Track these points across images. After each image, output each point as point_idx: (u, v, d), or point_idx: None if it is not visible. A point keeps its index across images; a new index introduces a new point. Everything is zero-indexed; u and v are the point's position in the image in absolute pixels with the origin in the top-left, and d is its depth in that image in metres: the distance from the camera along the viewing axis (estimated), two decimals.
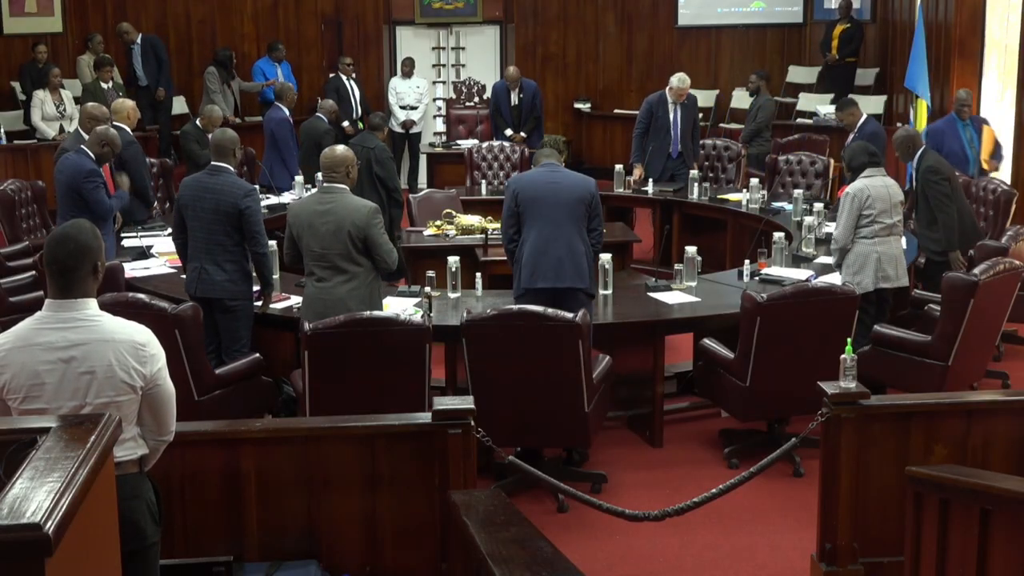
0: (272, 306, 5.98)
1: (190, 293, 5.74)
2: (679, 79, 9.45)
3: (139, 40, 11.91)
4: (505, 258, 6.02)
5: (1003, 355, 7.11)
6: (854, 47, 12.33)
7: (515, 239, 5.69)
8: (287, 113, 9.73)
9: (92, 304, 3.15)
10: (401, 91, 12.39)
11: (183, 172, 9.15)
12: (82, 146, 6.89)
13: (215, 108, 9.39)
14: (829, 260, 6.65)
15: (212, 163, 5.81)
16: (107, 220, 6.86)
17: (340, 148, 5.53)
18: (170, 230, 7.79)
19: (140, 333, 3.19)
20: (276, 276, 6.47)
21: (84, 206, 6.65)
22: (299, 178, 9.14)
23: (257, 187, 6.99)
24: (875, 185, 6.10)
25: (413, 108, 12.32)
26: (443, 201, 8.78)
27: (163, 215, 8.89)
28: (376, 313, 5.21)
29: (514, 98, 11.38)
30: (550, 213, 5.58)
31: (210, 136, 8.73)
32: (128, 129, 8.04)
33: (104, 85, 10.93)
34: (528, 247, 5.60)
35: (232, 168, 5.81)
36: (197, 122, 9.26)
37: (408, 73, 12.43)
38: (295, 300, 5.93)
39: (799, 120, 12.42)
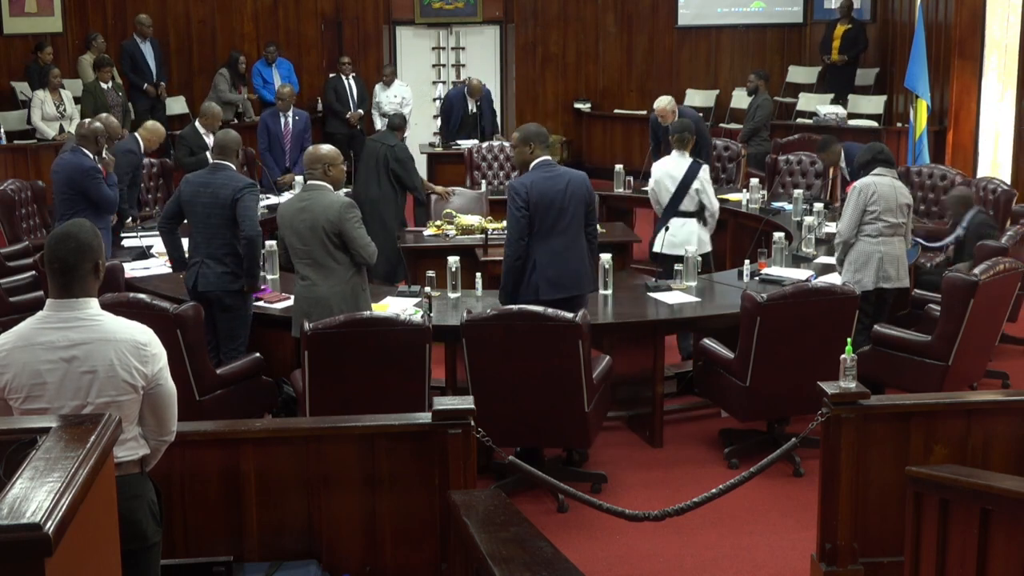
0: (272, 306, 5.98)
1: (189, 288, 5.75)
2: (656, 101, 9.06)
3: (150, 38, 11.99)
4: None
5: (994, 354, 7.05)
6: (859, 49, 12.32)
7: (523, 253, 5.49)
8: (278, 113, 9.82)
9: (93, 304, 3.15)
10: (379, 99, 12.16)
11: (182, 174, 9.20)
12: (76, 144, 6.90)
13: (213, 105, 9.41)
14: (829, 260, 6.65)
15: (214, 161, 5.86)
16: (112, 212, 6.90)
17: (324, 147, 5.54)
18: None
19: (142, 333, 3.19)
20: (275, 276, 6.49)
21: (83, 203, 6.66)
22: (299, 178, 9.16)
23: (257, 184, 6.97)
24: (882, 183, 6.10)
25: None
26: (471, 201, 8.78)
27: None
28: (376, 313, 5.22)
29: (471, 106, 11.41)
30: (560, 223, 5.49)
31: (210, 136, 8.79)
32: (140, 142, 8.05)
33: (104, 85, 10.94)
34: (541, 259, 5.49)
35: (233, 167, 5.86)
36: (196, 123, 9.26)
37: (388, 81, 12.18)
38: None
39: (799, 120, 12.42)
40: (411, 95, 12.29)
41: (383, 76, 12.25)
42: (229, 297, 5.72)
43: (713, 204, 6.97)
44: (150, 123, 8.51)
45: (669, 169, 7.01)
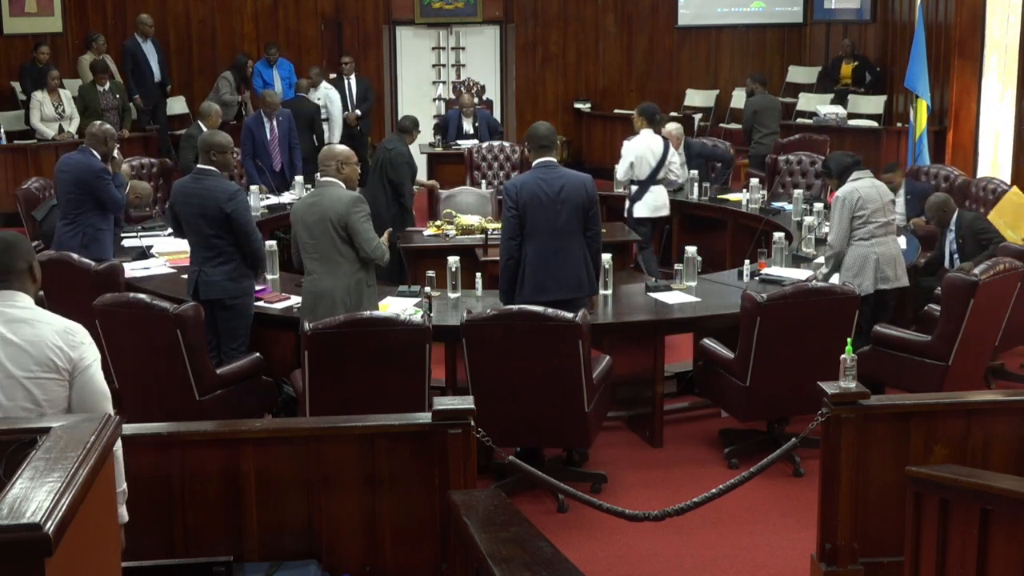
0: (272, 306, 5.98)
1: (189, 294, 5.75)
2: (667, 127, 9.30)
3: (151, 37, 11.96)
4: None
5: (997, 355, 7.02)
6: (870, 81, 12.45)
7: (516, 254, 5.48)
8: (258, 119, 9.71)
9: (29, 299, 3.27)
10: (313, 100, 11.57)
11: (182, 175, 9.17)
12: (85, 145, 6.89)
13: (214, 105, 9.38)
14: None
15: (198, 166, 5.81)
16: (118, 212, 6.90)
17: (338, 146, 5.66)
18: (170, 230, 7.84)
19: (73, 323, 3.28)
20: (275, 276, 6.50)
21: (90, 203, 6.65)
22: (299, 178, 9.16)
23: (248, 189, 6.85)
24: (864, 186, 6.10)
25: (324, 120, 11.31)
26: (478, 199, 8.79)
27: (164, 215, 8.91)
28: (376, 313, 5.22)
29: (467, 126, 11.26)
30: (551, 225, 5.45)
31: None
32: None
33: (100, 88, 10.89)
34: (530, 261, 5.47)
35: (217, 170, 5.76)
36: (200, 124, 9.24)
37: (316, 83, 11.55)
38: (295, 300, 5.93)
39: (799, 120, 12.43)
40: (336, 97, 11.55)
41: (310, 78, 11.70)
42: (230, 298, 5.73)
43: (677, 173, 8.41)
44: (139, 184, 8.12)
45: (650, 145, 8.12)
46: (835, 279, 6.26)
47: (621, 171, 8.21)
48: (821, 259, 6.88)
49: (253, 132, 9.59)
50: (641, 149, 8.10)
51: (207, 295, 5.67)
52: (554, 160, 5.61)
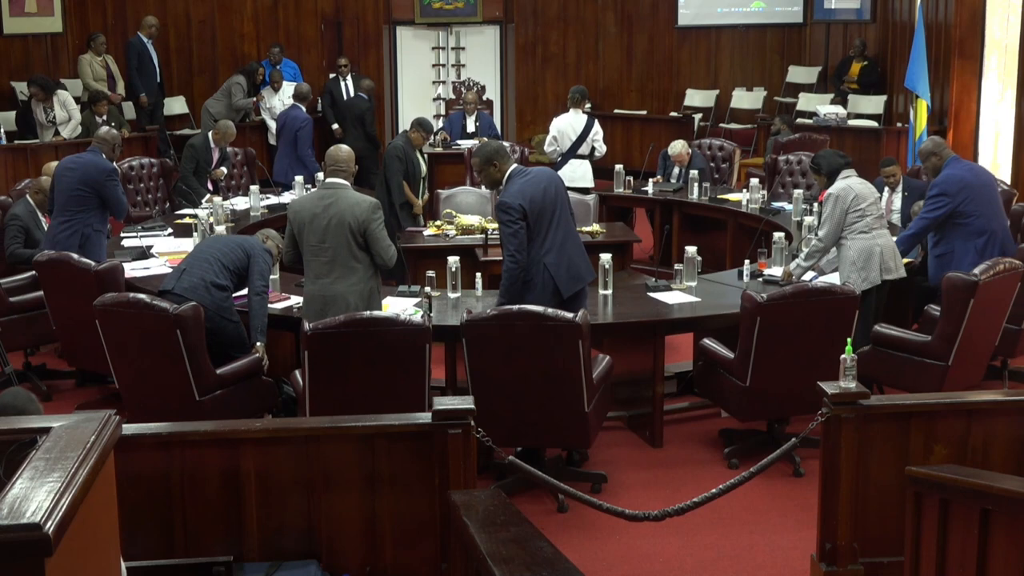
0: (272, 306, 5.97)
1: (169, 288, 5.57)
2: (671, 147, 9.75)
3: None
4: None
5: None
6: (874, 80, 12.45)
7: (526, 263, 5.43)
8: (304, 111, 9.97)
9: None
10: (271, 105, 11.71)
11: (180, 176, 9.20)
12: (94, 145, 6.89)
13: (230, 124, 9.36)
14: (823, 262, 6.54)
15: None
16: (121, 217, 6.91)
17: (344, 147, 5.60)
18: (170, 230, 7.85)
19: None
20: (275, 276, 6.48)
21: (94, 202, 6.64)
22: (299, 178, 9.16)
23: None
24: (855, 183, 6.16)
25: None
26: (478, 199, 8.78)
27: (163, 215, 8.91)
28: (376, 313, 5.22)
29: (470, 125, 11.33)
30: (555, 219, 5.48)
31: (217, 152, 8.86)
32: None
33: (99, 118, 10.78)
34: (551, 259, 5.45)
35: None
36: (209, 136, 9.21)
37: (277, 87, 11.65)
38: (295, 300, 5.93)
39: (799, 120, 12.42)
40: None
41: (273, 83, 11.81)
42: (210, 320, 5.44)
43: (603, 148, 9.24)
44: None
45: (571, 123, 9.12)
46: (810, 275, 6.30)
47: (546, 145, 9.20)
48: (822, 259, 6.87)
49: (299, 130, 9.86)
50: (563, 126, 9.13)
51: (184, 292, 5.46)
52: (517, 165, 5.65)
